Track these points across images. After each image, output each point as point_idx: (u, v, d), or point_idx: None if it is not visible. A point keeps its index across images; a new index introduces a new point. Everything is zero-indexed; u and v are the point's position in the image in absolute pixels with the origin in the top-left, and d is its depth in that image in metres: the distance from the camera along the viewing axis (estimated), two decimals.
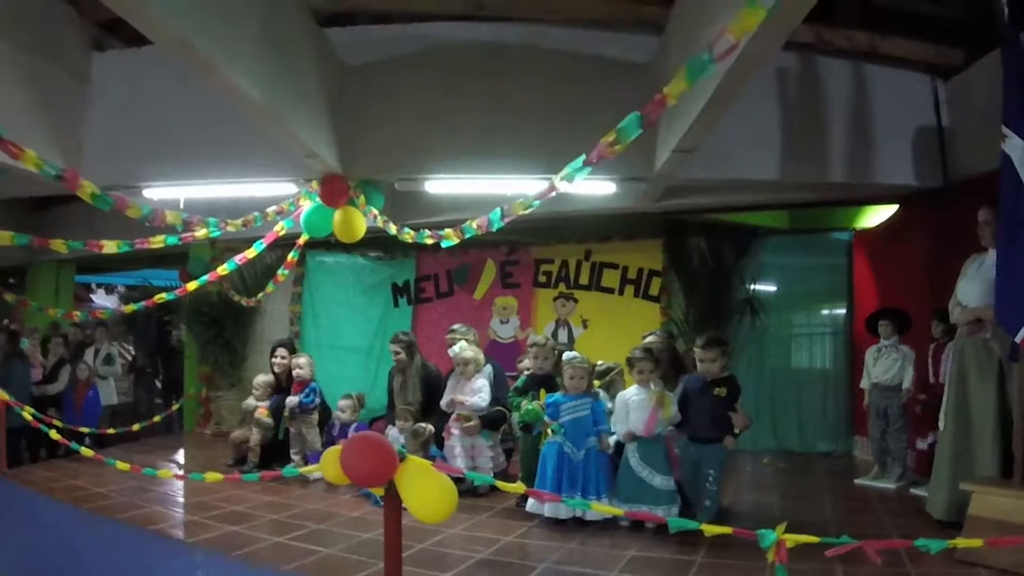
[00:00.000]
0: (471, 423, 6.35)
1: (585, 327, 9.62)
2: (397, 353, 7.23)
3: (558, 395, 5.61)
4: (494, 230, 4.48)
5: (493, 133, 6.85)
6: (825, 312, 9.18)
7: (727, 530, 3.25)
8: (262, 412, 7.38)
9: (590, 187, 7.49)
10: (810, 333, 9.20)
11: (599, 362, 6.05)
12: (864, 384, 6.93)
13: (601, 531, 5.12)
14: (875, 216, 8.69)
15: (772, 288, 9.28)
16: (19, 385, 8.17)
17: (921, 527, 4.92)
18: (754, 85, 5.20)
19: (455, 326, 7.21)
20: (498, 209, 4.33)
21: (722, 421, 5.30)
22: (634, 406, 5.33)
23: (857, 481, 6.82)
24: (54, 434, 6.48)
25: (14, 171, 5.80)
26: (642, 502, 5.15)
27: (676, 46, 5.98)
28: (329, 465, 3.82)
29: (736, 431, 5.30)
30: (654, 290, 9.49)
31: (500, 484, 3.97)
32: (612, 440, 5.51)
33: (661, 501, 5.17)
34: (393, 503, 3.72)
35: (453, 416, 6.50)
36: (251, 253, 7.15)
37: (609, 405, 5.63)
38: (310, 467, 5.22)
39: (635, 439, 5.27)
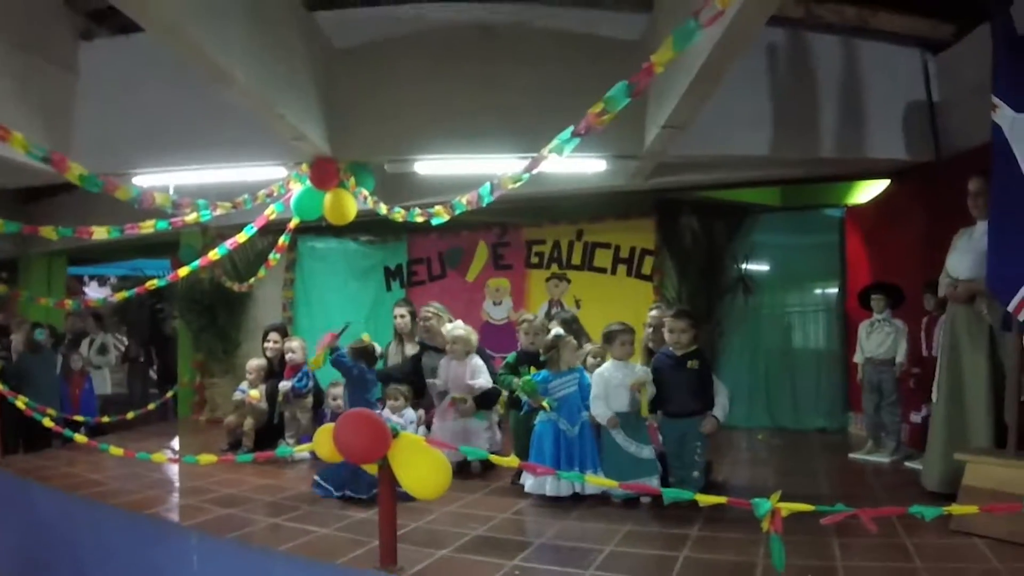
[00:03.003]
0: (467, 404, 6.32)
1: (578, 307, 9.55)
2: (404, 317, 7.26)
3: (545, 372, 5.59)
4: (484, 205, 4.44)
5: (484, 113, 6.83)
6: (818, 289, 9.16)
7: (722, 500, 3.25)
8: (253, 397, 7.35)
9: (580, 165, 7.45)
10: (803, 310, 9.19)
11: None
12: (857, 358, 6.92)
13: (596, 506, 5.13)
14: (867, 192, 8.70)
15: (765, 266, 9.27)
16: (45, 381, 8.06)
17: (916, 499, 4.85)
18: (744, 61, 5.20)
19: (431, 303, 7.23)
20: (487, 184, 4.31)
21: (701, 393, 5.31)
22: (615, 384, 5.32)
23: (852, 456, 6.82)
24: (47, 422, 6.46)
25: (3, 161, 5.79)
26: (633, 477, 5.08)
27: (666, 23, 5.93)
28: (323, 442, 3.82)
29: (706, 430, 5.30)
30: (647, 269, 9.47)
31: (494, 458, 3.97)
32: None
33: (651, 472, 5.20)
34: (387, 481, 3.72)
35: (447, 400, 6.47)
36: (242, 237, 7.12)
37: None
38: (302, 446, 5.22)
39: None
